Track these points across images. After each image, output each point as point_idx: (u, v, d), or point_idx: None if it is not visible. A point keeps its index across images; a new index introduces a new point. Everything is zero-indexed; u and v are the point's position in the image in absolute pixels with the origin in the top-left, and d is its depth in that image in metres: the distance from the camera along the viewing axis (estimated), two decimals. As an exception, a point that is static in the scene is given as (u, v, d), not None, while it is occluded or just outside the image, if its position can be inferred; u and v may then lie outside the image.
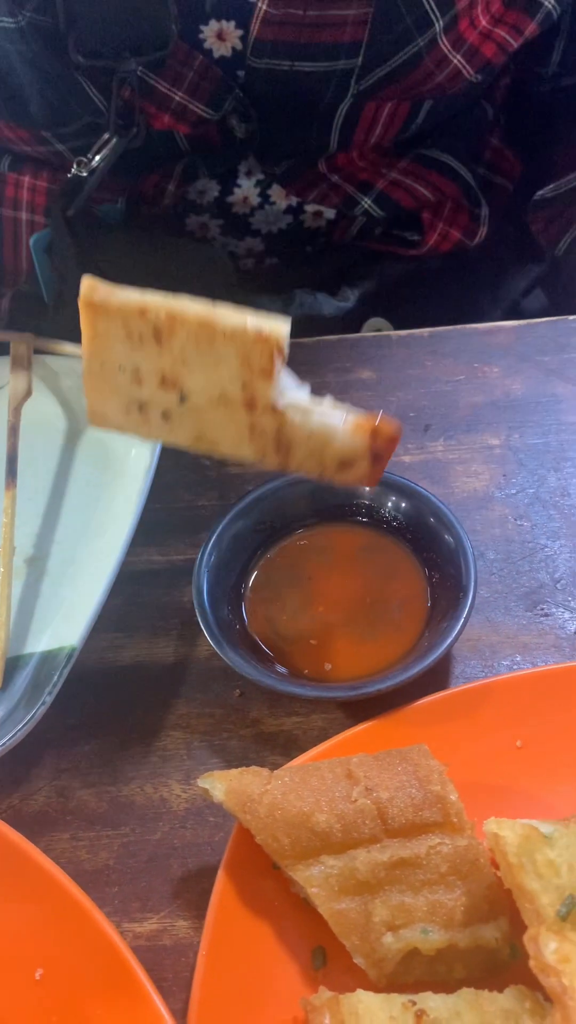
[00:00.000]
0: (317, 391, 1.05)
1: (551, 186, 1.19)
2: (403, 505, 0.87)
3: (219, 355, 0.63)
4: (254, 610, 0.85)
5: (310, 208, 1.17)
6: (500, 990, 0.59)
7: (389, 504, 0.87)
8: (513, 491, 0.95)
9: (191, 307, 0.63)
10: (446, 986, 0.61)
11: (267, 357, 0.62)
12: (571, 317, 1.11)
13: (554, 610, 0.86)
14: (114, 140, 1.01)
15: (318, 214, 1.18)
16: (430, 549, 0.84)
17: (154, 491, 0.90)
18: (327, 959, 0.65)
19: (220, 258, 1.17)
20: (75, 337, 0.73)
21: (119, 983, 0.62)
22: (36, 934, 0.65)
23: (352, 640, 0.82)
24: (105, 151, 1.01)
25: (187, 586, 0.86)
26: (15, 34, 0.93)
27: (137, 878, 0.73)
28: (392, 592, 0.85)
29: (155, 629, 0.89)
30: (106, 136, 1.00)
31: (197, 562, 0.84)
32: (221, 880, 0.67)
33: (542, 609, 0.86)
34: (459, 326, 1.11)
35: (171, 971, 0.68)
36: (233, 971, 0.64)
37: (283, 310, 1.22)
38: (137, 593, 0.91)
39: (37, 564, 0.92)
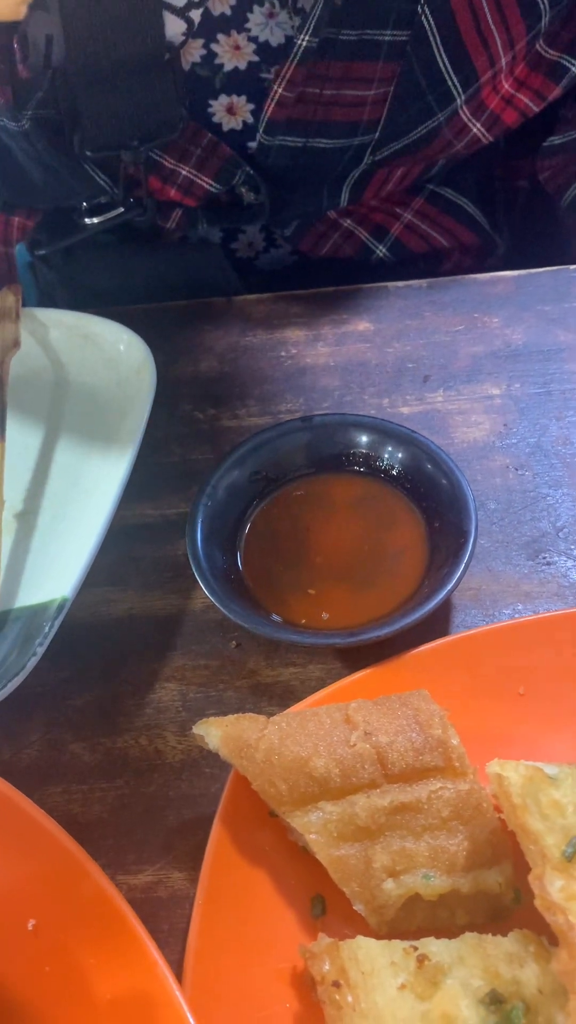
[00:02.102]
0: (312, 344, 1.05)
1: (560, 134, 1.16)
2: (400, 454, 0.85)
3: None
4: (250, 561, 0.83)
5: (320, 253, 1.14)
6: (504, 935, 0.58)
7: (386, 453, 0.85)
8: (514, 440, 0.93)
9: None
10: (448, 932, 0.59)
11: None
12: (572, 267, 1.08)
13: (556, 559, 0.84)
14: (121, 211, 0.98)
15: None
16: (429, 497, 0.82)
17: (146, 445, 0.87)
18: (326, 908, 0.63)
19: (219, 264, 1.13)
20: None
21: (113, 933, 0.60)
22: (28, 885, 0.63)
23: (350, 589, 0.80)
24: (110, 215, 0.99)
25: (180, 540, 0.84)
26: (19, 136, 0.90)
27: (132, 830, 0.71)
28: (390, 541, 0.83)
29: (148, 583, 0.87)
30: (116, 211, 0.98)
31: (191, 511, 0.82)
32: (217, 829, 0.65)
33: (544, 558, 0.84)
34: (458, 276, 1.09)
35: (167, 922, 0.67)
36: (230, 921, 0.63)
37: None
38: (130, 548, 0.89)
39: (27, 519, 0.90)
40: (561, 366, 0.98)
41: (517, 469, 0.91)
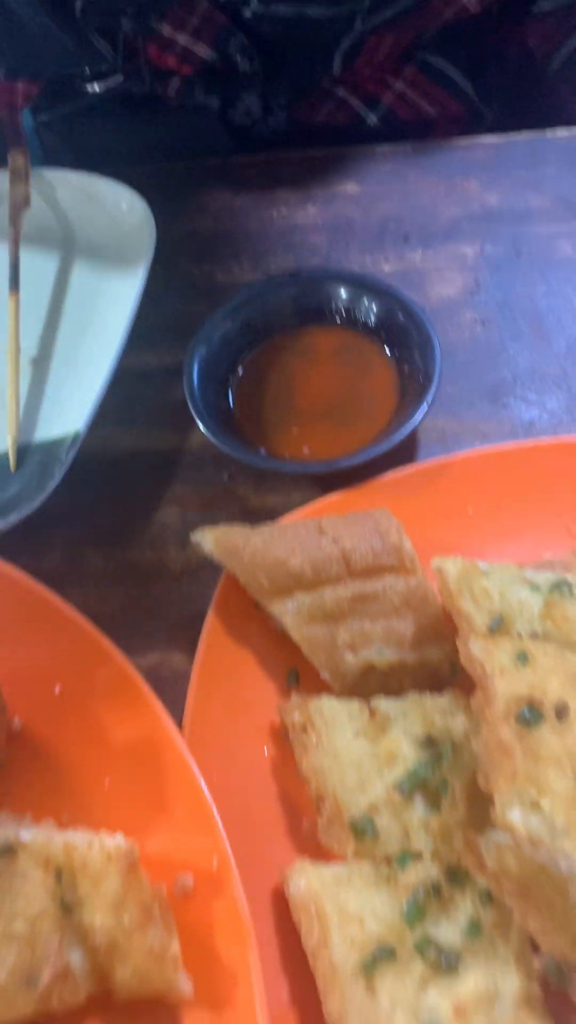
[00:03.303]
0: (302, 204, 1.12)
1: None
2: (376, 307, 0.94)
3: None
4: (241, 403, 0.94)
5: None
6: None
7: (363, 306, 0.95)
8: (483, 297, 1.02)
9: None
10: (396, 695, 0.73)
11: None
12: (549, 133, 1.14)
13: (512, 402, 0.94)
14: (121, 78, 1.02)
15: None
16: (401, 346, 0.92)
17: (146, 298, 0.97)
18: (299, 678, 0.77)
19: (215, 130, 1.18)
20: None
21: (126, 694, 0.74)
22: (53, 659, 0.76)
23: (328, 427, 0.91)
24: (109, 82, 1.03)
25: (180, 384, 0.94)
26: (24, 2, 0.94)
27: (140, 623, 0.85)
28: (366, 386, 0.93)
29: (151, 422, 0.98)
30: (116, 77, 1.02)
31: (188, 358, 0.92)
32: (210, 618, 0.78)
33: (502, 402, 0.95)
34: (441, 140, 1.15)
35: (170, 695, 0.80)
36: (221, 689, 0.76)
37: None
38: (134, 391, 0.99)
39: (41, 364, 1.00)
40: (531, 228, 1.06)
41: (484, 323, 1.00)
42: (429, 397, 0.85)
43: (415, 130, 1.23)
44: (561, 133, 1.14)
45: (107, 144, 1.20)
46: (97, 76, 1.06)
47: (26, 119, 1.16)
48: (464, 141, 1.15)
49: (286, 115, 1.18)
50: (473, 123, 1.25)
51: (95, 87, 1.07)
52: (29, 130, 1.20)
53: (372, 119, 1.19)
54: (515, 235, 1.06)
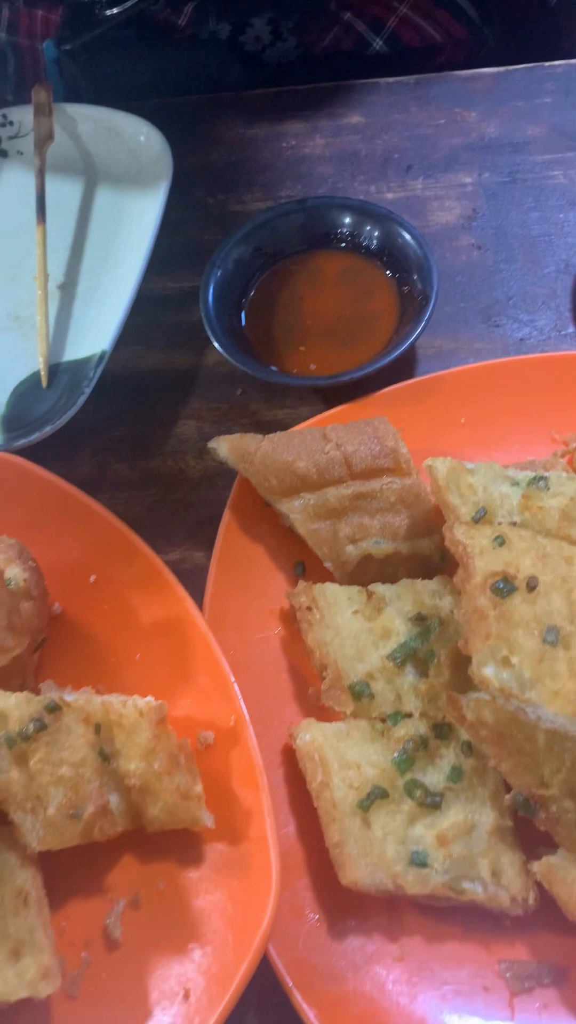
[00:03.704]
0: (310, 135, 1.17)
1: None
2: (378, 232, 1.01)
3: None
4: (252, 323, 1.01)
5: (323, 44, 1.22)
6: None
7: (366, 231, 1.01)
8: (480, 223, 1.08)
9: None
10: (391, 581, 0.82)
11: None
12: (547, 63, 1.19)
13: (504, 322, 1.02)
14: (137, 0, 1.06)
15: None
16: (401, 268, 0.99)
17: (164, 227, 1.04)
18: (306, 570, 0.86)
19: (224, 58, 1.23)
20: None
21: (153, 580, 0.83)
22: (88, 552, 0.86)
23: (334, 346, 0.99)
24: (127, 5, 1.07)
25: (195, 307, 1.01)
26: None
27: (163, 524, 0.94)
28: (369, 307, 1.00)
29: (170, 343, 1.05)
30: (132, 1, 1.06)
31: (203, 283, 0.99)
32: (226, 517, 0.87)
33: (495, 321, 1.02)
34: (443, 73, 1.20)
35: (191, 586, 0.89)
36: (236, 579, 0.86)
37: None
38: (154, 314, 1.07)
39: (68, 289, 1.08)
40: (527, 157, 1.12)
41: (480, 248, 1.07)
42: (426, 316, 0.93)
43: (419, 56, 1.27)
44: (558, 64, 1.18)
45: (123, 75, 1.26)
46: (115, 2, 1.11)
47: (48, 50, 1.21)
48: (464, 72, 1.19)
49: (295, 42, 1.22)
50: (476, 47, 1.29)
51: (113, 10, 1.11)
52: (50, 60, 1.25)
53: (377, 44, 1.23)
54: (511, 164, 1.12)
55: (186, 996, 0.69)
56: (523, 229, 1.07)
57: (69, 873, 0.74)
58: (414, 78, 1.19)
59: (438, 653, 0.76)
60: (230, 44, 1.23)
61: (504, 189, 1.10)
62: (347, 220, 1.02)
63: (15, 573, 0.81)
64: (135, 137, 1.12)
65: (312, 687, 0.81)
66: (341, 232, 1.03)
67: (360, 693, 0.76)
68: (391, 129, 1.16)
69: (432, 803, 0.72)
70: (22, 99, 1.16)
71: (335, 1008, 0.68)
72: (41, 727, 0.71)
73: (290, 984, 0.68)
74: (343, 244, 1.03)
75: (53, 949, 0.69)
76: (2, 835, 0.72)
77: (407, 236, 0.98)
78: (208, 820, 0.72)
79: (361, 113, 1.18)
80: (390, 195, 1.12)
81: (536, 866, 0.69)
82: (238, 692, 0.77)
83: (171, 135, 1.07)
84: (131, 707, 0.74)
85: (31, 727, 0.71)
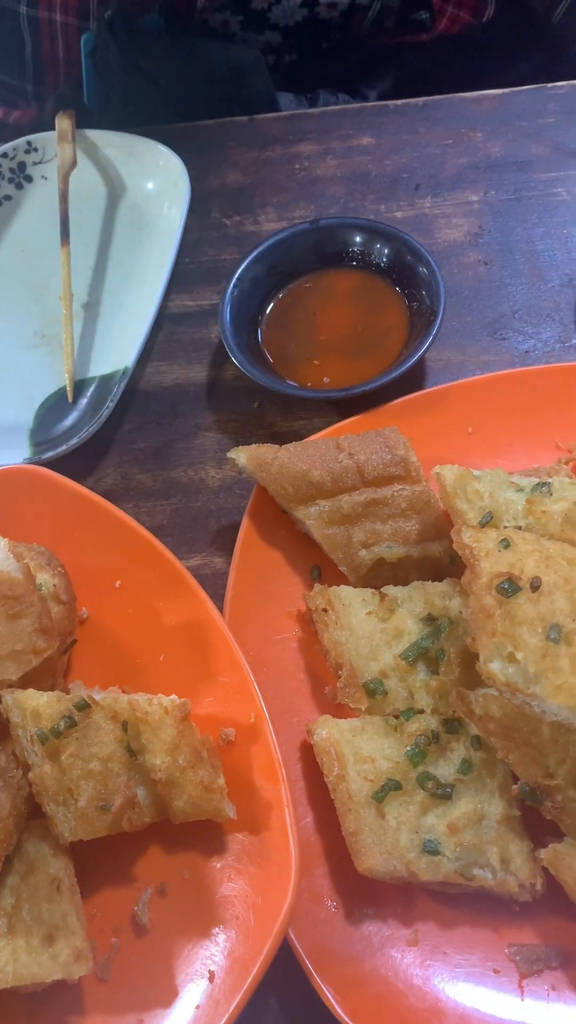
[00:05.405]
0: (322, 157, 1.22)
1: None
2: (387, 250, 1.05)
3: None
4: (268, 339, 1.06)
5: (324, 0, 1.26)
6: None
7: (376, 250, 1.06)
8: (486, 240, 1.12)
9: None
10: (403, 584, 0.86)
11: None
12: (550, 84, 1.23)
13: (510, 335, 1.05)
14: None
15: (332, 6, 1.27)
16: (410, 285, 1.03)
17: (183, 248, 1.09)
18: (321, 574, 0.90)
19: (252, 59, 1.27)
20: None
21: (176, 585, 0.87)
22: (114, 559, 0.90)
23: (346, 359, 1.03)
24: None
25: (214, 325, 1.06)
26: None
27: (185, 531, 0.98)
28: (379, 322, 1.05)
29: (190, 359, 1.10)
30: None
31: (221, 301, 1.04)
32: (245, 524, 0.91)
33: (501, 335, 1.06)
34: (450, 95, 1.24)
35: (212, 591, 0.93)
36: (254, 583, 0.90)
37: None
38: (174, 331, 1.12)
39: (92, 308, 1.13)
40: (531, 176, 1.16)
41: (486, 264, 1.11)
42: (434, 331, 0.97)
43: (424, 13, 1.28)
44: (561, 85, 1.22)
45: (154, 65, 1.27)
46: None
47: (87, 42, 1.22)
48: (470, 94, 1.24)
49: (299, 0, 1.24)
50: (481, 11, 1.30)
51: None
52: (86, 55, 1.23)
53: (377, 4, 1.25)
54: (516, 182, 1.16)
55: (211, 978, 0.72)
56: (528, 245, 1.11)
57: (99, 864, 0.78)
58: (422, 100, 1.24)
59: (448, 652, 0.80)
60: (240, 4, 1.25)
61: (509, 206, 1.14)
62: (358, 239, 1.07)
63: (45, 579, 0.85)
64: (154, 161, 1.17)
65: (328, 686, 0.84)
66: (352, 251, 1.07)
67: (374, 690, 0.79)
68: (400, 150, 1.21)
69: (443, 794, 0.75)
70: (41, 83, 1.18)
71: (352, 989, 0.72)
72: (71, 724, 0.75)
73: (309, 967, 0.72)
74: (354, 262, 1.07)
75: (85, 934, 0.73)
76: (36, 827, 0.76)
77: (416, 254, 1.02)
78: (231, 812, 0.76)
79: (371, 134, 1.23)
80: (399, 214, 1.16)
81: (543, 853, 0.72)
82: (258, 691, 0.80)
83: (188, 158, 1.12)
84: (156, 705, 0.78)
85: (62, 724, 0.75)
